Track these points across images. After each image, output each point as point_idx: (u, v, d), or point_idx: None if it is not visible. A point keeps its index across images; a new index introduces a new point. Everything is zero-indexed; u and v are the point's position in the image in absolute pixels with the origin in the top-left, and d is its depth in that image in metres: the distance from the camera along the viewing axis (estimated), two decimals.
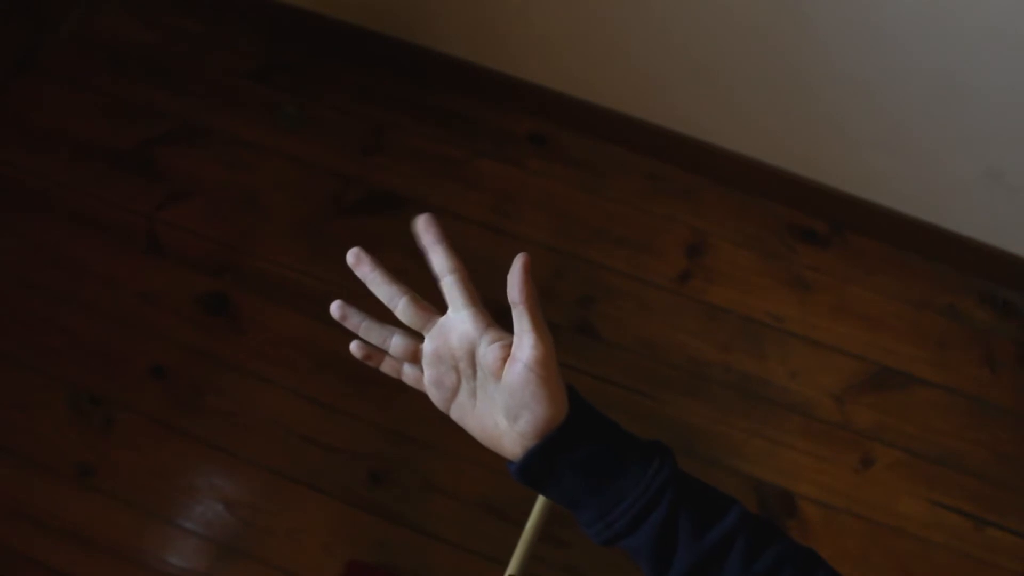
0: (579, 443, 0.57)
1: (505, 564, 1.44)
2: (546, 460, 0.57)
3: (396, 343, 0.62)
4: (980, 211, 1.56)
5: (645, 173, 1.71)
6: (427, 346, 0.60)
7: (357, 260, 0.61)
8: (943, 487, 1.50)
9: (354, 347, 0.62)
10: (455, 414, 0.61)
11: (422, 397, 0.63)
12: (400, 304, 0.61)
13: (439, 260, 0.59)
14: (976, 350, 1.60)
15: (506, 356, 0.57)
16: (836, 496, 1.49)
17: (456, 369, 0.60)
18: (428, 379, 0.61)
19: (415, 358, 0.62)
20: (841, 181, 1.62)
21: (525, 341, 0.56)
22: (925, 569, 1.46)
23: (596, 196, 1.69)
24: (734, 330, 1.60)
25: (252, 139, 1.72)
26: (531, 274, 0.56)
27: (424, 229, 0.60)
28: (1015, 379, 1.58)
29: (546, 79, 1.67)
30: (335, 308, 0.62)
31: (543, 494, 0.59)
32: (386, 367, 0.63)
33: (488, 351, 0.58)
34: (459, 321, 0.59)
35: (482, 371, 0.59)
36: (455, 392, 0.60)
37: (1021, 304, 1.64)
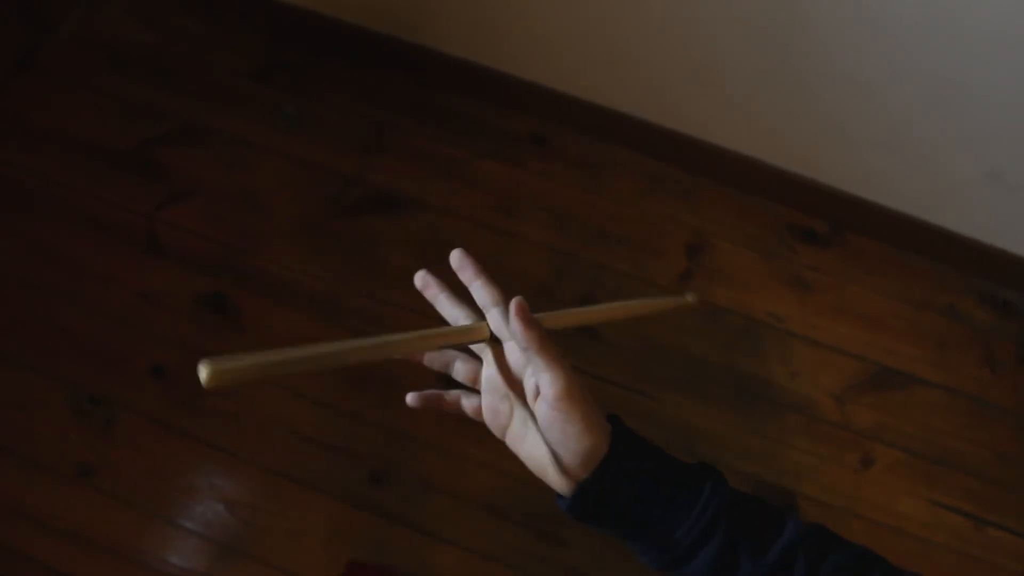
0: (627, 474, 0.56)
1: (505, 564, 1.44)
2: (596, 494, 0.56)
3: (459, 367, 0.62)
4: (980, 211, 1.56)
5: (645, 173, 1.71)
6: (485, 371, 0.61)
7: (424, 284, 0.62)
8: (943, 487, 1.50)
9: (410, 399, 0.62)
10: (509, 441, 0.60)
11: None
12: None
13: (481, 294, 0.60)
14: (976, 350, 1.60)
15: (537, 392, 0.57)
16: (836, 496, 1.49)
17: (508, 397, 0.59)
18: (485, 406, 0.61)
19: (476, 381, 0.62)
20: (841, 181, 1.62)
21: (542, 381, 0.55)
22: (925, 569, 1.45)
23: (596, 196, 1.69)
24: (734, 330, 1.60)
25: (252, 139, 1.72)
26: (528, 316, 0.55)
27: (460, 267, 0.61)
28: (1015, 379, 1.58)
29: (546, 79, 1.67)
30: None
31: (597, 529, 0.58)
32: (445, 406, 0.63)
33: (529, 383, 0.58)
34: (511, 350, 0.59)
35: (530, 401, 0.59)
36: (509, 419, 0.60)
37: (1021, 304, 1.64)
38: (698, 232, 1.67)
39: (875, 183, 1.60)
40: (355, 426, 1.51)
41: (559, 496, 0.58)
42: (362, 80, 1.78)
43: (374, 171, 1.70)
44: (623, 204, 1.69)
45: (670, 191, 1.70)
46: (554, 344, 0.55)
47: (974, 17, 1.22)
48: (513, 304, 0.55)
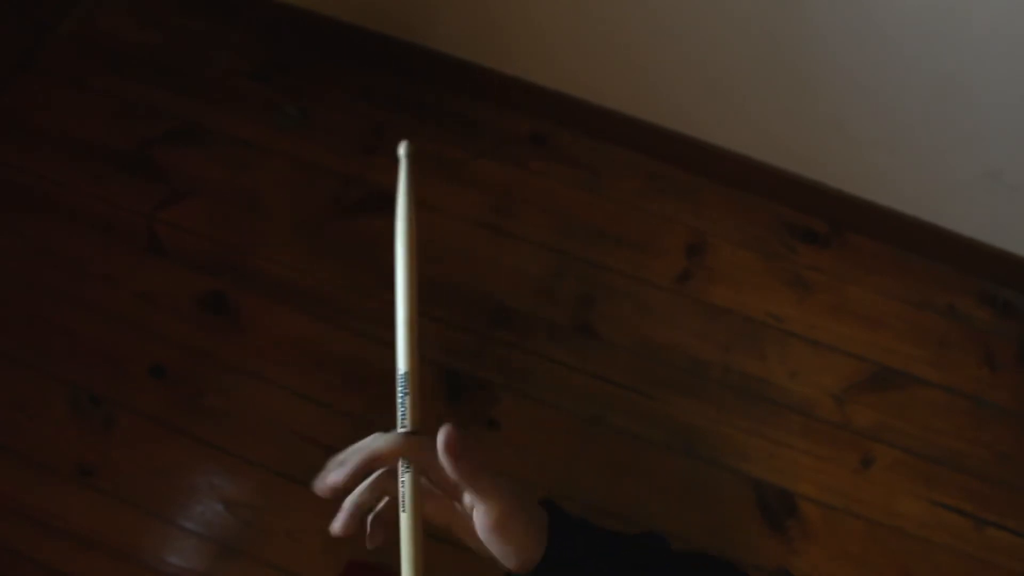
0: (565, 568, 0.57)
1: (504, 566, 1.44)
2: None
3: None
4: (980, 211, 1.56)
5: (645, 173, 1.71)
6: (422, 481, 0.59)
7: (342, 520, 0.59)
8: (943, 487, 1.50)
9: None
10: (453, 531, 0.62)
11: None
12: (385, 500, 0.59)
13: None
14: (976, 350, 1.60)
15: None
16: (836, 496, 1.49)
17: (446, 499, 0.60)
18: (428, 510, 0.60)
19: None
20: (841, 181, 1.62)
21: (477, 511, 0.56)
22: (925, 569, 1.45)
23: (596, 196, 1.69)
24: (734, 330, 1.60)
25: (252, 139, 1.72)
26: (456, 450, 0.52)
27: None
28: (1015, 379, 1.58)
29: (546, 79, 1.67)
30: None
31: None
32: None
33: (467, 498, 0.58)
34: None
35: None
36: (450, 517, 0.61)
37: (1021, 304, 1.64)
38: (698, 232, 1.67)
39: (875, 183, 1.60)
40: (355, 426, 1.51)
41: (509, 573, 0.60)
42: (362, 80, 1.78)
43: (374, 171, 1.70)
44: (623, 204, 1.69)
45: (670, 191, 1.70)
46: (487, 471, 0.54)
47: (974, 17, 1.22)
48: (442, 436, 0.52)
